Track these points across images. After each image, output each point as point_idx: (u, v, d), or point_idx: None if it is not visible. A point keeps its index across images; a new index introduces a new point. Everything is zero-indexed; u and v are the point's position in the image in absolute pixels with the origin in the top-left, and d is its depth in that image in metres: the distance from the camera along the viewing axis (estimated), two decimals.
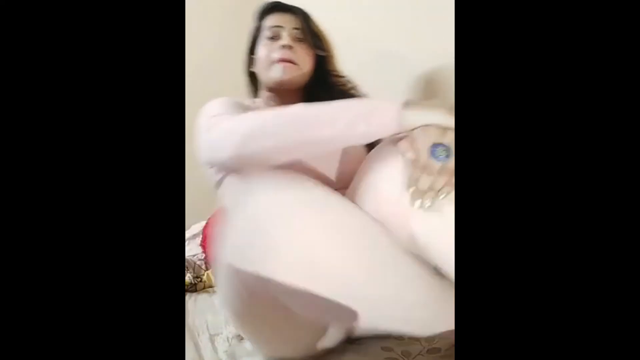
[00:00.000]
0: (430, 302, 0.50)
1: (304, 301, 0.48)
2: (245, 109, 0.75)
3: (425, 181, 0.48)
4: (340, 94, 0.82)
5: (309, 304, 0.48)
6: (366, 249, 0.51)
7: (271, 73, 0.78)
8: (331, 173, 0.70)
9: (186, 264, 1.26)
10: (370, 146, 0.61)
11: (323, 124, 0.54)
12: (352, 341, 0.63)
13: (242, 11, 0.88)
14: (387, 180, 0.54)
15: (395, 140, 0.54)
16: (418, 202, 0.49)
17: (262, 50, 0.80)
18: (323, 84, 0.84)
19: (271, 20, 0.81)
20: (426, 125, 0.50)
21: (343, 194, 0.66)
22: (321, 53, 0.83)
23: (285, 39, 0.78)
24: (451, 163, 0.48)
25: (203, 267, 1.28)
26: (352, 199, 0.60)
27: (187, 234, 1.46)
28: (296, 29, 0.80)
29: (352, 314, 0.48)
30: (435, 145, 0.48)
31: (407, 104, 0.52)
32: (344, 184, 0.67)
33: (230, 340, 0.79)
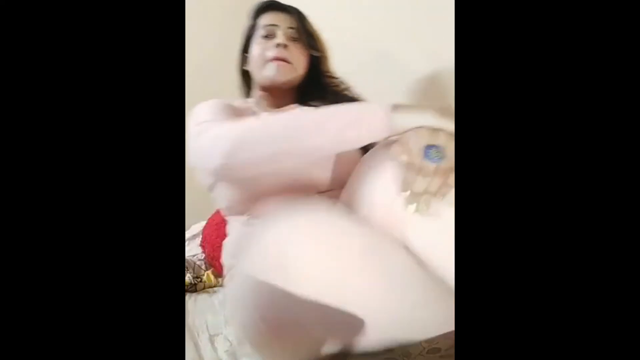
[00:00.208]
0: (430, 304, 0.50)
1: (312, 310, 0.48)
2: (236, 110, 0.75)
3: (420, 183, 0.47)
4: (334, 95, 0.82)
5: (317, 314, 0.48)
6: (371, 261, 0.50)
7: (265, 72, 0.78)
8: (325, 175, 0.70)
9: (186, 264, 1.26)
10: (365, 147, 0.61)
11: (312, 131, 0.54)
12: None
13: (242, 11, 0.88)
14: (380, 186, 0.54)
15: (389, 143, 0.53)
16: (413, 206, 0.48)
17: (256, 48, 0.79)
18: (316, 84, 0.84)
19: (266, 18, 0.81)
20: (418, 127, 0.50)
21: (337, 195, 0.66)
22: (315, 53, 0.83)
23: (280, 38, 0.78)
24: (445, 164, 0.48)
25: (203, 267, 1.28)
26: (346, 203, 0.60)
27: (187, 234, 1.46)
28: (291, 28, 0.80)
29: (359, 323, 0.47)
30: (429, 147, 0.48)
31: (396, 107, 0.52)
32: (338, 184, 0.67)
33: (230, 340, 0.79)
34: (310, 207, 0.52)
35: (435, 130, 0.49)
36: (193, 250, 1.38)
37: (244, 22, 0.85)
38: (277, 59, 0.76)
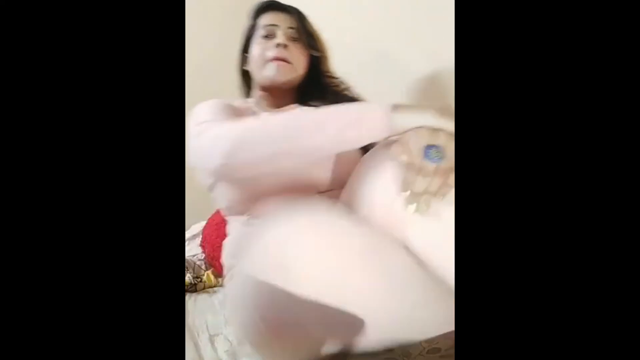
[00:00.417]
0: (430, 304, 0.50)
1: (312, 310, 0.48)
2: (236, 110, 0.74)
3: (420, 183, 0.47)
4: (334, 95, 0.82)
5: (318, 314, 0.48)
6: (371, 261, 0.50)
7: (265, 71, 0.78)
8: (325, 175, 0.70)
9: (186, 264, 1.26)
10: (365, 147, 0.61)
11: (312, 131, 0.54)
12: None
13: (242, 11, 0.88)
14: (380, 186, 0.54)
15: (389, 143, 0.53)
16: (414, 206, 0.48)
17: (256, 48, 0.79)
18: (316, 84, 0.83)
19: (266, 18, 0.81)
20: (418, 127, 0.50)
21: (337, 195, 0.65)
22: (315, 53, 0.82)
23: (280, 38, 0.78)
24: (445, 164, 0.48)
25: (203, 267, 1.29)
26: (346, 203, 0.60)
27: (187, 234, 1.46)
28: (291, 28, 0.80)
29: (359, 323, 0.47)
30: (429, 147, 0.48)
31: (396, 107, 0.52)
32: (338, 184, 0.67)
33: (230, 340, 0.79)
34: (311, 207, 0.52)
35: (435, 130, 0.49)
36: (193, 250, 1.38)
37: (244, 22, 0.85)
38: (277, 59, 0.76)
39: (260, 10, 0.82)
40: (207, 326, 0.88)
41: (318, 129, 0.54)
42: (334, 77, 0.86)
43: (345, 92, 0.85)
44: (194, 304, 1.04)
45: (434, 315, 0.49)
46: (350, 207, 0.59)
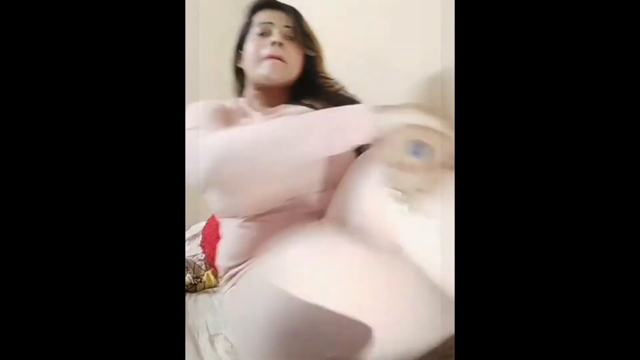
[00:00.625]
0: (430, 312, 0.50)
1: (326, 319, 0.48)
2: (227, 111, 0.74)
3: (406, 180, 0.48)
4: (327, 95, 0.81)
5: (329, 321, 0.49)
6: (375, 277, 0.51)
7: (259, 69, 0.77)
8: (317, 177, 0.69)
9: (186, 264, 1.26)
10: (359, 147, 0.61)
11: (299, 140, 0.54)
12: None
13: (242, 11, 0.88)
14: (369, 193, 0.55)
15: (375, 149, 0.55)
16: (401, 202, 0.49)
17: (251, 45, 0.78)
18: (310, 84, 0.83)
19: (262, 16, 0.80)
20: (403, 125, 0.51)
21: (330, 196, 0.65)
22: (311, 53, 0.81)
23: (276, 36, 0.77)
24: (432, 160, 0.48)
25: (203, 267, 1.28)
26: (337, 214, 0.61)
27: (187, 234, 1.46)
28: (287, 27, 0.79)
29: (367, 332, 0.48)
30: (415, 144, 0.49)
31: (381, 107, 0.53)
32: (332, 185, 0.67)
33: (230, 340, 0.79)
34: (314, 236, 0.55)
35: (420, 127, 0.50)
36: (193, 250, 1.37)
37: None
38: (272, 57, 0.75)
39: (256, 7, 0.81)
40: (207, 326, 0.88)
41: (305, 137, 0.54)
42: (328, 78, 0.85)
43: (340, 92, 0.84)
44: (194, 304, 1.04)
45: (435, 323, 0.49)
46: (341, 215, 0.59)
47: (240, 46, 0.83)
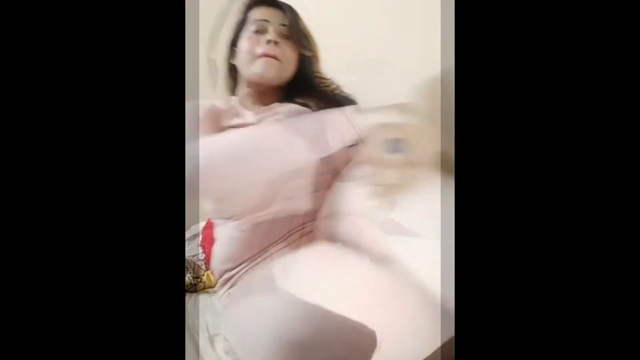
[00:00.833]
0: (425, 321, 0.50)
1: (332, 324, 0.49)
2: (218, 112, 0.73)
3: (384, 176, 0.50)
4: (322, 94, 0.80)
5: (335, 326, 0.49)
6: (377, 289, 0.51)
7: (253, 67, 0.75)
8: (307, 179, 0.68)
9: (186, 264, 1.25)
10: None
11: (282, 149, 0.56)
12: None
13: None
14: (356, 202, 0.57)
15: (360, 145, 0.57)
16: (379, 198, 0.50)
17: (246, 43, 0.76)
18: (305, 83, 0.81)
19: (258, 13, 0.78)
20: (380, 124, 0.53)
21: (323, 196, 0.66)
22: (306, 53, 0.80)
23: (271, 34, 0.75)
24: (408, 157, 0.50)
25: (203, 267, 1.28)
26: (325, 227, 0.62)
27: (187, 234, 1.45)
28: (283, 25, 0.77)
29: (372, 337, 0.48)
30: (390, 141, 0.51)
31: (358, 109, 0.56)
32: (324, 186, 0.67)
33: (230, 340, 0.79)
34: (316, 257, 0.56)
35: (396, 125, 0.52)
36: (193, 250, 1.37)
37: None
38: (266, 55, 0.74)
39: (252, 4, 0.80)
40: (206, 326, 0.88)
41: (287, 146, 0.57)
42: (324, 78, 0.84)
43: (336, 92, 0.82)
44: (193, 304, 1.04)
45: (432, 329, 0.49)
46: (330, 226, 0.60)
47: (234, 43, 0.81)
